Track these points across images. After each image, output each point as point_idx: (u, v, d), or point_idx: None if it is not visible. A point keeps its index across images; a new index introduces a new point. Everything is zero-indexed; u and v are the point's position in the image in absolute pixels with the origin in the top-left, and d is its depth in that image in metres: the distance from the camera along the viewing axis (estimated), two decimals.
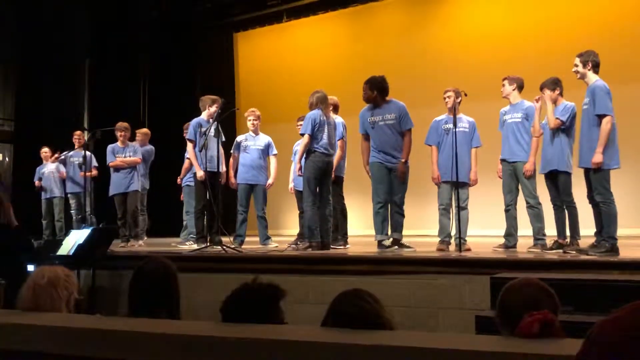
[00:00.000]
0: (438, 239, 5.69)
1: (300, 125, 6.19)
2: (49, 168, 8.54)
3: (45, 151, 8.59)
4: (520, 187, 5.46)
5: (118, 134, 7.47)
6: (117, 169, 7.41)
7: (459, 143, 5.47)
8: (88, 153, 8.07)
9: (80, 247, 5.25)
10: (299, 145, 6.15)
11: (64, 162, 8.39)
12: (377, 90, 5.67)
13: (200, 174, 6.45)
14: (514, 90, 5.57)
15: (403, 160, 5.57)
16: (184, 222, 8.03)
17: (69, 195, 8.29)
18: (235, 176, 6.84)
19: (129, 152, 7.50)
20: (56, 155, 8.29)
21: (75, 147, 8.22)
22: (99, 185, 8.33)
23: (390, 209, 5.59)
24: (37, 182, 8.52)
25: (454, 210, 5.63)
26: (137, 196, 7.51)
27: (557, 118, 5.08)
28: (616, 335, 0.93)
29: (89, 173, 7.86)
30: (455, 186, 5.51)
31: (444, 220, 5.66)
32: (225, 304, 1.95)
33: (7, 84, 10.54)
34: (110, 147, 7.51)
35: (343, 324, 1.70)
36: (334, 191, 6.24)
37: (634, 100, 7.66)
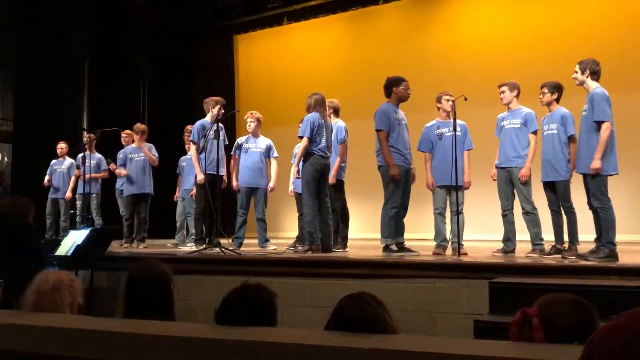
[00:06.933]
0: (434, 243, 5.68)
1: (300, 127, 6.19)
2: (63, 165, 8.41)
3: (61, 147, 8.45)
4: (515, 193, 5.47)
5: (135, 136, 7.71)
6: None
7: (453, 147, 5.48)
8: (98, 155, 8.06)
9: (78, 248, 5.24)
10: (298, 148, 6.15)
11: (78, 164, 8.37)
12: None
13: (200, 177, 6.46)
14: (515, 96, 5.58)
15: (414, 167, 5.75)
16: (178, 224, 8.04)
17: (76, 195, 8.24)
18: (236, 178, 6.85)
19: (141, 153, 7.65)
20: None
21: (87, 150, 8.08)
22: (105, 186, 8.32)
23: (399, 214, 5.56)
24: (47, 180, 8.35)
25: (449, 214, 5.63)
26: (149, 199, 7.65)
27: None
28: (617, 342, 0.93)
29: (100, 175, 8.08)
30: (452, 190, 5.51)
31: (439, 224, 5.65)
32: (218, 312, 1.95)
33: (6, 83, 10.54)
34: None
35: (345, 327, 1.70)
36: (336, 195, 6.24)
37: (633, 107, 7.68)
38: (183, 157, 8.03)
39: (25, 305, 2.28)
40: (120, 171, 7.68)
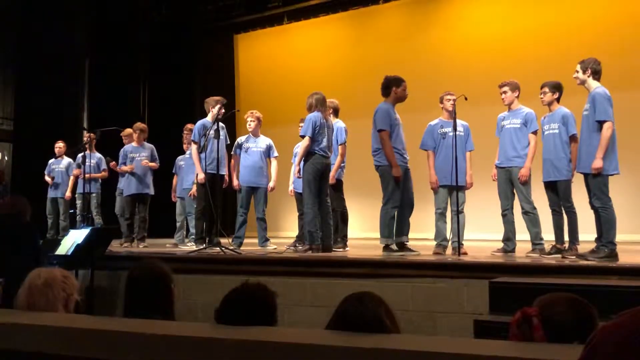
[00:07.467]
0: (434, 243, 5.68)
1: (302, 127, 6.18)
2: (61, 164, 8.38)
3: (59, 146, 8.43)
4: (515, 193, 5.47)
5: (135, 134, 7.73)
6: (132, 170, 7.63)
7: (453, 147, 5.47)
8: (98, 155, 8.04)
9: (78, 247, 5.23)
10: (299, 148, 6.14)
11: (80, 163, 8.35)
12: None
13: (200, 176, 6.45)
14: (516, 97, 5.58)
15: None
16: (178, 224, 8.04)
17: (76, 195, 8.22)
18: (237, 178, 6.84)
19: (144, 153, 7.63)
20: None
21: (87, 149, 8.01)
22: (105, 186, 8.30)
23: (404, 213, 5.54)
24: (49, 179, 8.32)
25: (450, 214, 5.63)
26: (149, 199, 7.65)
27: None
28: (618, 341, 0.93)
29: (100, 174, 8.05)
30: (454, 190, 5.50)
31: (440, 224, 5.65)
32: (218, 312, 1.95)
33: (6, 83, 10.53)
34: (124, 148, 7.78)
35: (347, 326, 1.70)
36: (335, 194, 6.24)
37: (633, 106, 7.68)
38: (180, 157, 8.01)
39: (18, 303, 2.27)
40: (124, 167, 7.67)
